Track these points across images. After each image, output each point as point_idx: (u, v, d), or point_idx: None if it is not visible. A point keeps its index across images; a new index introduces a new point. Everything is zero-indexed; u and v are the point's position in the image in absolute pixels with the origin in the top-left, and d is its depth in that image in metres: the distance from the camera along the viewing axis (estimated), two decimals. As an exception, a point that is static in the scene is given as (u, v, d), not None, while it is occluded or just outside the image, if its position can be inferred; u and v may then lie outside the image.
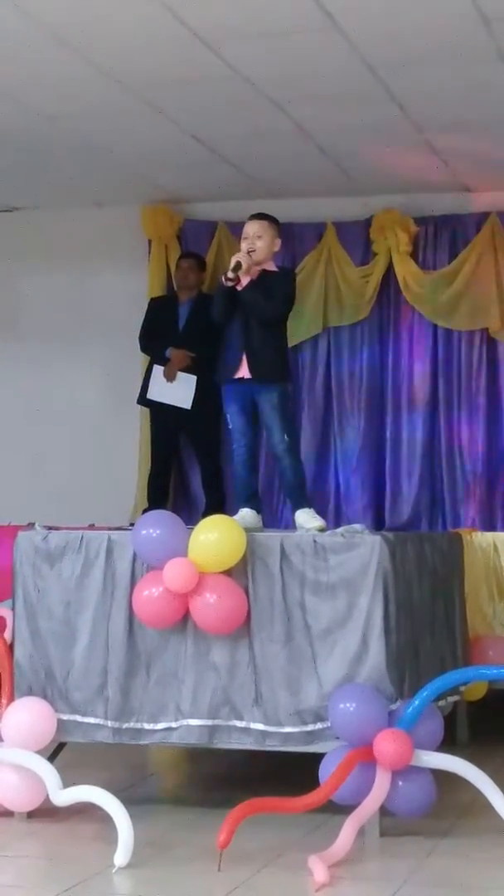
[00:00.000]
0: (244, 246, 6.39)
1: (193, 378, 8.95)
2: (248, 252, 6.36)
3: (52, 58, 6.63)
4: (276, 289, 6.44)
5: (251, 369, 6.36)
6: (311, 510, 6.37)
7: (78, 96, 7.24)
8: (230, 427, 6.55)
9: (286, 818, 5.28)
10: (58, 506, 8.79)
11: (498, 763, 6.00)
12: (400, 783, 5.28)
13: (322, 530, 6.08)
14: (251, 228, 6.42)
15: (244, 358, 6.37)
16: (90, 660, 5.75)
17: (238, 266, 6.31)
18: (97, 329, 9.64)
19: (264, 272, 6.43)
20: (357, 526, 5.99)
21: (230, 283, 6.31)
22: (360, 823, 5.12)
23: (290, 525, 6.54)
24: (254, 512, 6.37)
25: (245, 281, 6.35)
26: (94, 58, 6.65)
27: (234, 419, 6.50)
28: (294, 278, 6.72)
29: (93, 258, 9.68)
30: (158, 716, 5.69)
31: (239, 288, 6.33)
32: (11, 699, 5.79)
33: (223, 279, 6.35)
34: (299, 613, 5.59)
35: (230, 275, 6.30)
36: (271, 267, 6.49)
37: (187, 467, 9.42)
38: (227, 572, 5.63)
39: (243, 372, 6.38)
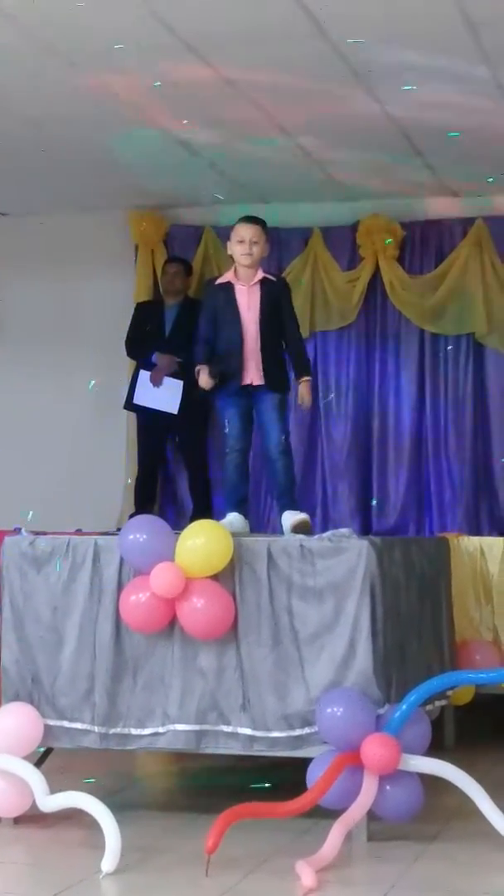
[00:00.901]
0: (240, 249, 6.35)
1: (180, 383, 8.94)
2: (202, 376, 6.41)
3: (39, 63, 6.63)
4: (284, 302, 6.45)
5: (265, 377, 6.35)
6: (298, 512, 6.36)
7: (64, 102, 7.23)
8: (225, 431, 6.52)
9: (274, 823, 5.27)
10: (44, 511, 8.78)
11: (485, 767, 6.01)
12: (387, 787, 5.28)
13: (305, 524, 6.11)
14: (248, 232, 6.37)
15: (252, 365, 6.35)
16: (77, 665, 5.74)
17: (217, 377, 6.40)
18: (84, 334, 9.63)
19: (265, 279, 6.42)
20: (344, 530, 5.99)
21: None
22: (347, 828, 5.11)
23: (278, 530, 6.55)
24: (241, 517, 6.36)
25: (250, 291, 6.34)
26: (81, 64, 6.65)
27: (231, 423, 6.47)
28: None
29: (80, 263, 9.68)
30: (145, 721, 5.68)
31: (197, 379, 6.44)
32: (-2, 704, 5.79)
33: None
34: (286, 618, 5.59)
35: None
36: (267, 274, 6.48)
37: (174, 472, 9.41)
38: (214, 577, 5.63)
39: (249, 379, 6.36)
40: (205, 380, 6.42)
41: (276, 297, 6.42)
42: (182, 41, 6.34)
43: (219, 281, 6.53)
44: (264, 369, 6.37)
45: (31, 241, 9.72)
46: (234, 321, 6.36)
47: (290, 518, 6.28)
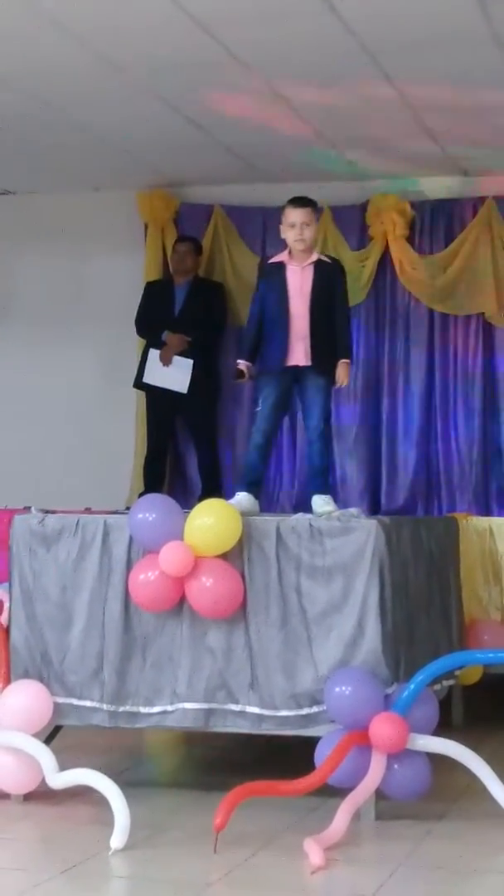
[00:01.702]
0: (292, 235, 6.27)
1: (190, 362, 8.94)
2: None
3: (48, 42, 6.62)
4: (337, 285, 6.39)
5: (313, 359, 6.31)
6: (329, 497, 6.33)
7: (74, 80, 7.23)
8: (257, 409, 6.51)
9: (282, 801, 5.29)
10: (54, 489, 8.80)
11: (493, 746, 6.02)
12: (395, 766, 5.29)
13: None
14: (299, 216, 6.27)
15: (298, 347, 6.30)
16: (86, 643, 5.76)
17: (241, 375, 6.39)
18: (93, 313, 9.63)
19: (321, 263, 6.36)
20: (353, 510, 6.00)
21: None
22: (355, 807, 5.13)
23: (288, 510, 6.54)
24: (251, 497, 6.29)
25: (303, 273, 6.30)
26: (90, 41, 6.64)
27: (264, 403, 6.41)
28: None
29: (89, 242, 9.67)
30: (154, 699, 5.70)
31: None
32: (8, 682, 5.80)
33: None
34: (295, 597, 5.60)
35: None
36: (318, 255, 6.42)
37: (183, 451, 9.42)
38: (223, 556, 5.64)
39: (295, 360, 6.31)
40: (235, 376, 6.46)
41: (329, 280, 6.34)
42: (192, 18, 6.32)
43: (272, 260, 6.46)
44: (312, 351, 6.31)
45: (41, 220, 9.72)
46: (283, 302, 6.28)
47: (319, 506, 6.23)
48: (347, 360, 6.41)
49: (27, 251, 9.78)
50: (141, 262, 9.51)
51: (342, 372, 6.37)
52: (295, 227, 6.28)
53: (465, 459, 9.02)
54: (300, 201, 6.35)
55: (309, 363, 6.29)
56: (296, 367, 6.31)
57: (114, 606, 5.74)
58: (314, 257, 6.34)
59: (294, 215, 6.29)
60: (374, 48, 6.71)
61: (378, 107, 7.58)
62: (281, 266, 6.35)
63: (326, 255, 6.58)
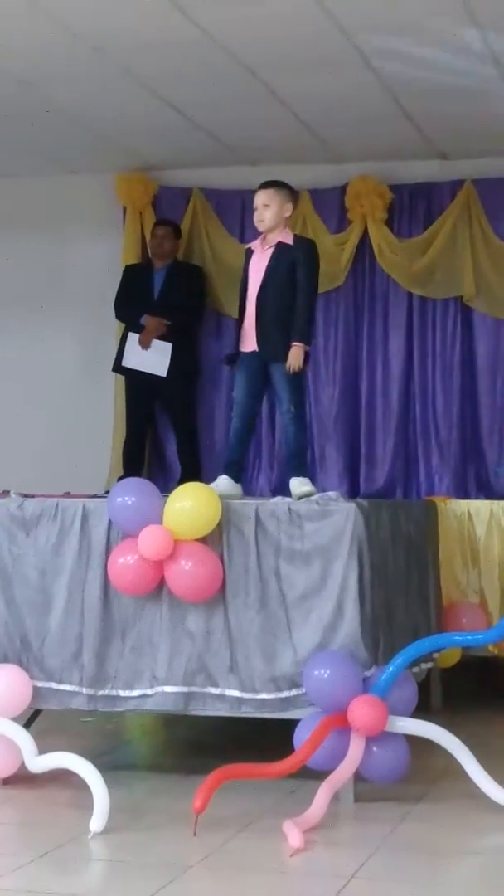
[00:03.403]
0: (255, 218, 6.35)
1: (168, 345, 8.93)
2: None
3: (25, 23, 6.59)
4: (298, 266, 6.33)
5: (259, 346, 6.33)
6: (306, 478, 6.35)
7: (52, 62, 7.20)
8: (234, 394, 6.56)
9: (261, 784, 5.31)
10: (33, 474, 8.78)
11: (471, 729, 6.04)
12: (374, 749, 5.31)
13: (309, 496, 6.11)
14: (257, 199, 6.35)
15: (255, 333, 6.33)
16: (65, 627, 5.76)
17: (231, 361, 6.49)
18: (72, 297, 9.60)
19: (280, 245, 6.35)
20: (332, 493, 6.00)
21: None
22: (334, 789, 5.15)
23: (266, 494, 6.55)
24: (230, 480, 6.34)
25: (263, 256, 6.32)
26: (68, 23, 6.61)
27: (238, 388, 6.47)
28: (315, 249, 6.56)
29: (67, 226, 9.64)
30: (134, 683, 5.70)
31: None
32: (-13, 667, 5.80)
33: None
34: (274, 581, 5.61)
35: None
36: (287, 237, 6.40)
37: (162, 435, 9.41)
38: (203, 540, 5.64)
39: (252, 346, 6.36)
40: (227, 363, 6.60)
41: (287, 263, 6.32)
42: (172, 1, 6.30)
43: (248, 245, 6.55)
44: (259, 338, 6.32)
45: (19, 204, 9.68)
46: (244, 287, 6.38)
47: (296, 487, 6.26)
48: (301, 344, 6.36)
49: (5, 235, 9.74)
50: (119, 246, 9.48)
51: (292, 355, 6.32)
52: (256, 209, 6.35)
53: (443, 443, 9.03)
54: (262, 184, 6.43)
55: (256, 349, 6.34)
56: (257, 353, 6.35)
57: (93, 590, 5.74)
58: (275, 241, 6.34)
59: (255, 199, 6.39)
60: (351, 31, 6.69)
61: (356, 90, 7.57)
62: (250, 251, 6.40)
63: (295, 237, 6.51)
